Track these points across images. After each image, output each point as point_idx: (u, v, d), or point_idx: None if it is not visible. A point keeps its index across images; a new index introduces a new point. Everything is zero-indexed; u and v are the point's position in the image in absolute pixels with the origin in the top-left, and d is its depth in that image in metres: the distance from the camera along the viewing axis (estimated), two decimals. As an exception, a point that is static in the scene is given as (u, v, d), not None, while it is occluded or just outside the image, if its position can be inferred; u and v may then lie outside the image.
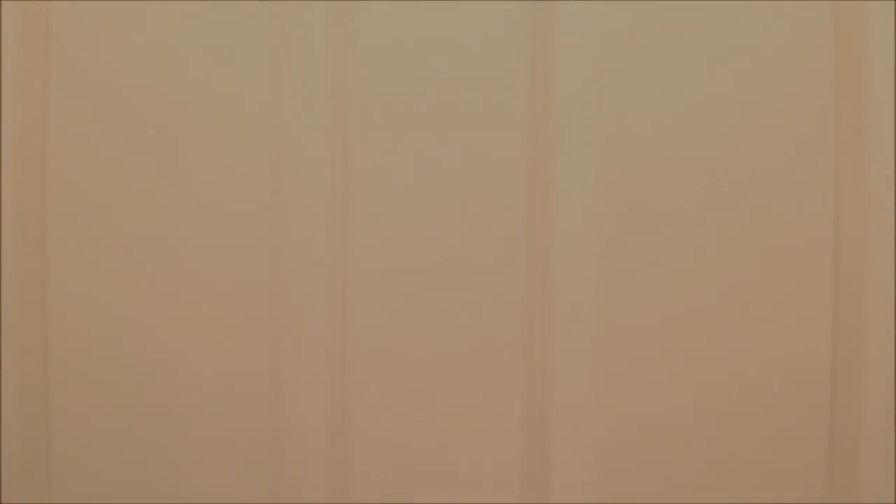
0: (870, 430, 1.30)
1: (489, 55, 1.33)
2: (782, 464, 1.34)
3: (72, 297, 1.35)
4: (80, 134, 1.35)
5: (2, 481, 1.33)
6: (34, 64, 1.34)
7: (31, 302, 1.34)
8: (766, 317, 1.33)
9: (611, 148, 1.33)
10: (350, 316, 1.34)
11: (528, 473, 1.34)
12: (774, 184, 1.33)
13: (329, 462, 1.34)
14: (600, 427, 1.33)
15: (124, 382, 1.35)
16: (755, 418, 1.33)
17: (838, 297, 1.33)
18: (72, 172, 1.35)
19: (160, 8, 1.34)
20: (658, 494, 1.34)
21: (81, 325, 1.35)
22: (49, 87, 1.35)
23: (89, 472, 1.35)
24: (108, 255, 1.35)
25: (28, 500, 1.34)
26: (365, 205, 1.34)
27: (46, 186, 1.35)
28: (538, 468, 1.34)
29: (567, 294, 1.32)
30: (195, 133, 1.35)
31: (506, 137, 1.33)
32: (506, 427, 1.34)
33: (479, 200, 1.34)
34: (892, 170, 1.30)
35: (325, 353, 1.33)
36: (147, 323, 1.35)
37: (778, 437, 1.33)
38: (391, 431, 1.35)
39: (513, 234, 1.34)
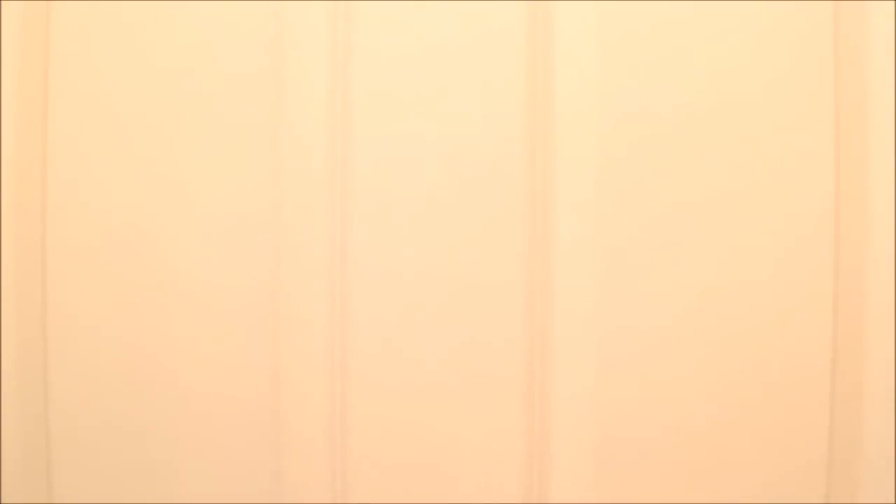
0: (870, 430, 1.30)
1: (488, 53, 1.33)
2: (782, 464, 1.34)
3: (72, 297, 1.35)
4: (81, 134, 1.35)
5: (2, 481, 1.33)
6: (34, 64, 1.34)
7: (31, 302, 1.34)
8: (766, 317, 1.33)
9: (610, 147, 1.33)
10: (350, 317, 1.34)
11: (528, 474, 1.34)
12: (774, 184, 1.33)
13: (329, 463, 1.34)
14: (600, 427, 1.33)
15: (124, 383, 1.35)
16: (755, 418, 1.33)
17: (838, 296, 1.33)
18: (72, 173, 1.35)
19: (160, 8, 1.34)
20: (658, 494, 1.34)
21: (81, 326, 1.35)
22: (49, 87, 1.35)
23: (89, 473, 1.35)
24: (108, 256, 1.35)
25: (28, 500, 1.34)
26: (365, 204, 1.34)
27: (46, 186, 1.35)
28: (538, 468, 1.34)
29: (567, 294, 1.32)
30: (195, 134, 1.35)
31: (505, 136, 1.33)
32: (506, 428, 1.34)
33: (480, 201, 1.34)
34: (892, 170, 1.30)
35: (325, 353, 1.33)
36: (147, 323, 1.35)
37: (778, 437, 1.33)
38: (391, 432, 1.35)
39: (512, 233, 1.34)
